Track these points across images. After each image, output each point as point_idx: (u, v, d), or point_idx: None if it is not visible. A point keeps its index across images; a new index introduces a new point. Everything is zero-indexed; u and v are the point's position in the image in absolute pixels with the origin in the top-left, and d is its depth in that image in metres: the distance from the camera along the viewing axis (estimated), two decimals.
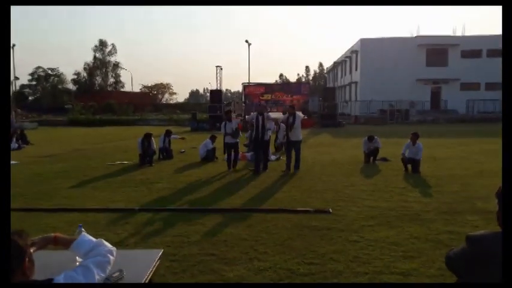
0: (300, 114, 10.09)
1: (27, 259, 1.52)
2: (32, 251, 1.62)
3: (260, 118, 9.51)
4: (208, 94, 36.63)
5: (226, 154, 10.26)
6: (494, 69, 37.75)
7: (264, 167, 9.65)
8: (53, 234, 1.87)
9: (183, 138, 13.97)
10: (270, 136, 9.97)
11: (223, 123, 10.32)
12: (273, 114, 10.55)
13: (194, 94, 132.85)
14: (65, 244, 1.84)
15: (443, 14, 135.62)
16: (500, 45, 38.29)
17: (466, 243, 1.70)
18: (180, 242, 4.67)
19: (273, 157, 11.38)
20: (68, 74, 73.49)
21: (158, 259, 2.60)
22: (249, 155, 11.32)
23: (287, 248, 4.48)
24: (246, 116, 11.08)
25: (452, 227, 5.16)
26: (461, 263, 1.72)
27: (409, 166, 9.33)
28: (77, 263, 1.99)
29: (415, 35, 42.25)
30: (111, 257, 1.78)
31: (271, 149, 11.54)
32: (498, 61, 38.09)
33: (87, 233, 1.95)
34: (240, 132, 10.36)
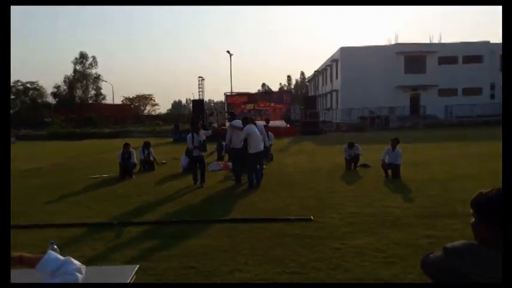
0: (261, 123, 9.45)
1: None
2: None
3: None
4: (191, 105, 36.45)
5: (192, 168, 9.49)
6: (470, 75, 38.75)
7: (256, 182, 8.77)
8: (18, 253, 1.80)
9: (158, 164, 12.81)
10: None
11: (190, 135, 9.36)
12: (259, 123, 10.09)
13: (177, 105, 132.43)
14: (30, 263, 1.76)
15: (420, 21, 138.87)
16: (474, 52, 39.46)
17: (443, 253, 1.63)
18: (159, 256, 4.58)
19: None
20: (48, 87, 72.23)
21: (134, 275, 2.53)
22: (231, 164, 11.28)
23: (268, 258, 4.44)
24: (230, 123, 10.10)
25: (432, 231, 5.20)
26: (435, 271, 1.68)
27: (390, 171, 9.43)
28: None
29: (393, 42, 43.08)
30: (80, 275, 1.71)
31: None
32: (474, 67, 39.15)
33: (64, 250, 1.89)
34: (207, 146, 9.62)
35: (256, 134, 8.99)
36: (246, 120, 9.28)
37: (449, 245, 1.60)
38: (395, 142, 9.69)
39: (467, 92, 39.48)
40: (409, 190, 7.91)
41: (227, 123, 10.38)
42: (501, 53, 36.22)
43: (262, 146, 9.24)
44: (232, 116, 10.33)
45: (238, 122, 9.46)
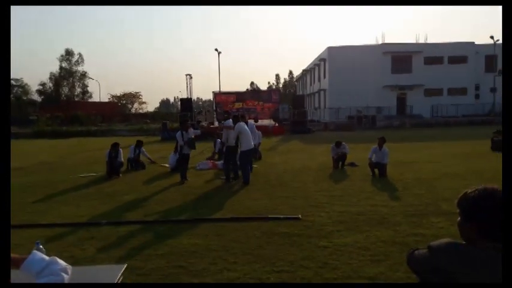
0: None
1: None
2: None
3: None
4: (179, 103, 36.18)
5: (181, 166, 9.82)
6: (455, 75, 39.32)
7: (245, 179, 9.05)
8: None
9: (153, 162, 12.88)
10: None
11: (179, 133, 9.82)
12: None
13: (165, 103, 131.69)
14: (15, 264, 1.74)
15: (407, 21, 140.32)
16: (459, 53, 40.04)
17: (427, 251, 1.64)
18: (147, 255, 4.56)
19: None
20: (33, 84, 71.09)
21: (121, 275, 2.51)
22: (220, 163, 11.27)
23: (257, 256, 4.45)
24: (223, 122, 10.39)
25: (418, 229, 5.28)
26: (420, 270, 1.69)
27: (376, 170, 9.51)
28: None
29: (380, 42, 43.44)
30: (66, 276, 1.69)
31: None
32: (459, 67, 39.72)
33: (50, 250, 1.87)
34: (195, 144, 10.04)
35: (247, 132, 9.16)
36: (236, 118, 9.41)
37: (434, 243, 1.60)
38: (382, 141, 9.78)
39: (452, 92, 40.09)
40: (395, 189, 8.00)
41: (216, 122, 10.48)
42: (486, 54, 36.85)
43: (253, 143, 9.49)
44: (228, 116, 10.49)
45: (230, 122, 9.53)
